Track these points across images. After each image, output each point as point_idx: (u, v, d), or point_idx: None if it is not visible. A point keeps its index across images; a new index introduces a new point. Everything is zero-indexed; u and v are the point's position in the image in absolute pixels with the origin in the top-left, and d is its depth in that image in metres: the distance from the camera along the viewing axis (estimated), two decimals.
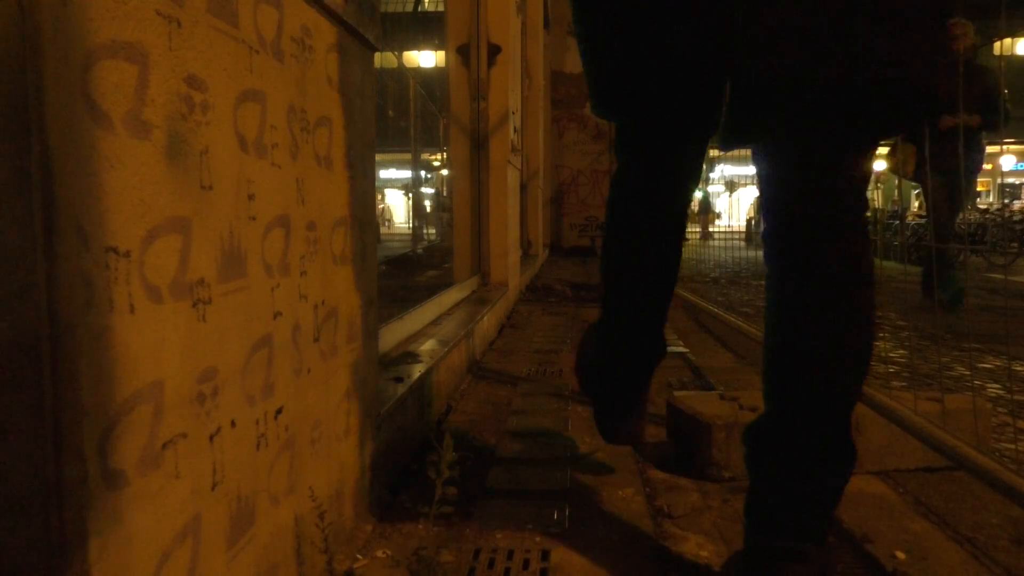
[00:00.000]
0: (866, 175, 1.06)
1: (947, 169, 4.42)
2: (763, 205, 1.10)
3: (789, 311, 1.07)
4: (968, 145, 4.63)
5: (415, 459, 1.73)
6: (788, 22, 0.94)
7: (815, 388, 1.05)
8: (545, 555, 1.24)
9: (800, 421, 1.06)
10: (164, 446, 0.69)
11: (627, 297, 1.36)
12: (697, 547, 1.30)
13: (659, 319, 1.37)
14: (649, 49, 1.09)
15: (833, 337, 1.03)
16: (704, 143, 1.25)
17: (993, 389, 2.66)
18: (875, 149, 1.07)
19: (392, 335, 2.21)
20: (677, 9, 1.03)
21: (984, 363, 3.12)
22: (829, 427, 1.05)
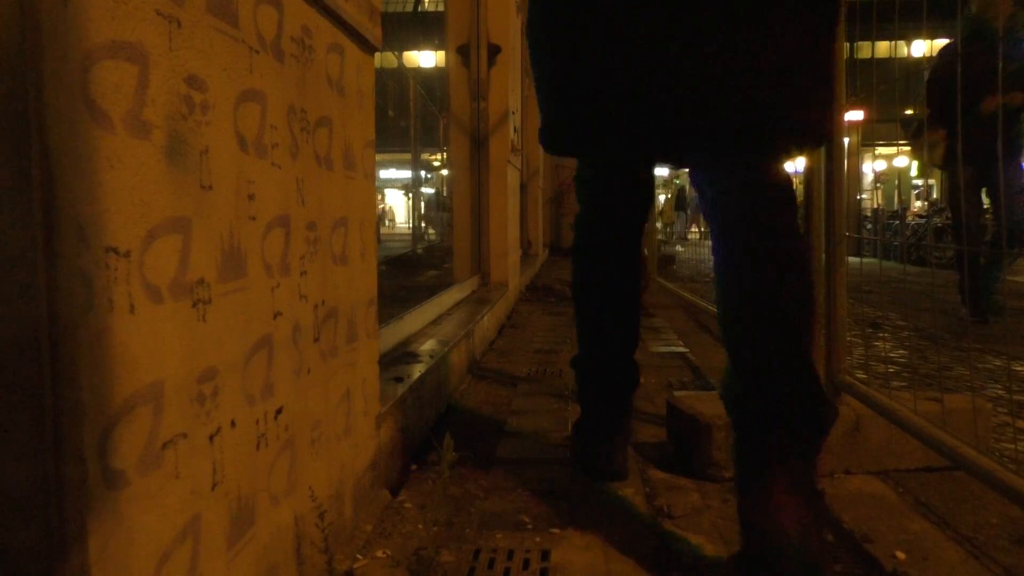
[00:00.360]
0: (781, 181, 1.24)
1: (983, 159, 3.88)
2: (701, 208, 1.34)
3: (739, 290, 1.24)
4: (1009, 128, 4.07)
5: (415, 459, 1.73)
6: (693, 84, 1.14)
7: (768, 341, 1.20)
8: (545, 555, 1.24)
9: (764, 376, 1.20)
10: (164, 446, 0.69)
11: (593, 328, 1.61)
12: (697, 547, 1.30)
13: (626, 349, 1.61)
14: (581, 104, 1.27)
15: (774, 304, 1.21)
16: (641, 176, 1.53)
17: (993, 389, 2.66)
18: (779, 162, 1.26)
19: (392, 335, 2.21)
20: (607, 74, 1.21)
21: (984, 363, 3.12)
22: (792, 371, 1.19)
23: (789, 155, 1.28)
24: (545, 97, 1.36)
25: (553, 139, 1.37)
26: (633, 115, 1.20)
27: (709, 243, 1.34)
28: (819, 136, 1.23)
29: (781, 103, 1.15)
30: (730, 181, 1.25)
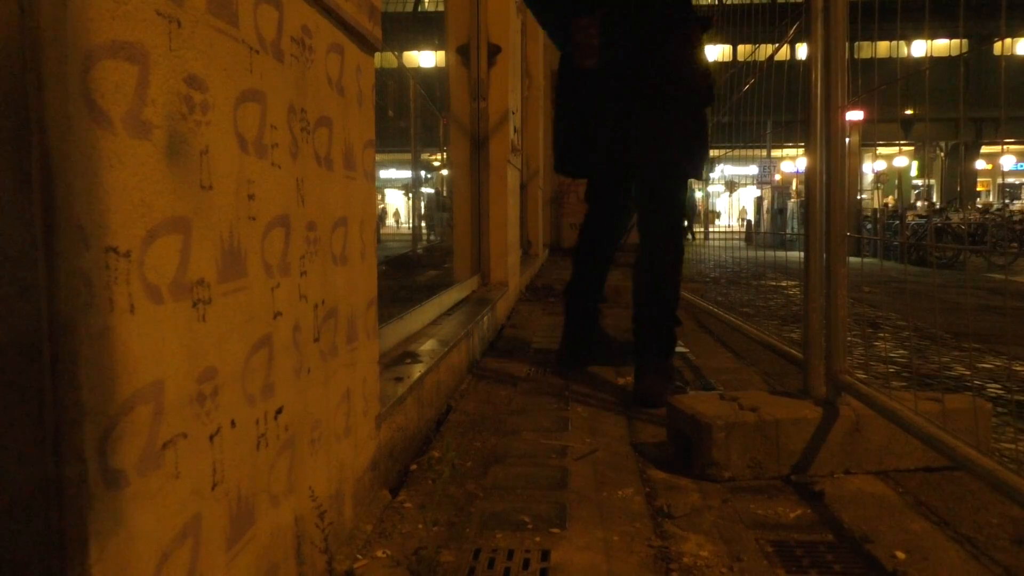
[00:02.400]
0: (675, 197, 2.45)
1: None
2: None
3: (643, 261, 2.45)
4: None
5: (415, 459, 1.73)
6: (624, 146, 2.41)
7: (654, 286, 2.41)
8: (545, 555, 1.24)
9: (651, 303, 2.41)
10: (164, 446, 0.69)
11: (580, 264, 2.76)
12: (697, 547, 1.30)
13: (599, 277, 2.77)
14: (576, 141, 2.58)
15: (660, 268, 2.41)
16: (623, 186, 2.66)
17: (993, 389, 2.66)
18: (681, 184, 2.48)
19: (392, 335, 2.21)
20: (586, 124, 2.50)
21: (984, 363, 3.12)
22: (665, 301, 2.40)
23: (673, 183, 2.43)
24: (555, 144, 2.66)
25: (559, 166, 2.69)
26: (594, 157, 2.49)
27: (709, 243, 1.37)
28: (685, 174, 2.45)
29: (665, 155, 2.37)
30: (646, 198, 2.46)
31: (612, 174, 2.56)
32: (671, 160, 2.36)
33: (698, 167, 2.44)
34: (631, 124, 2.35)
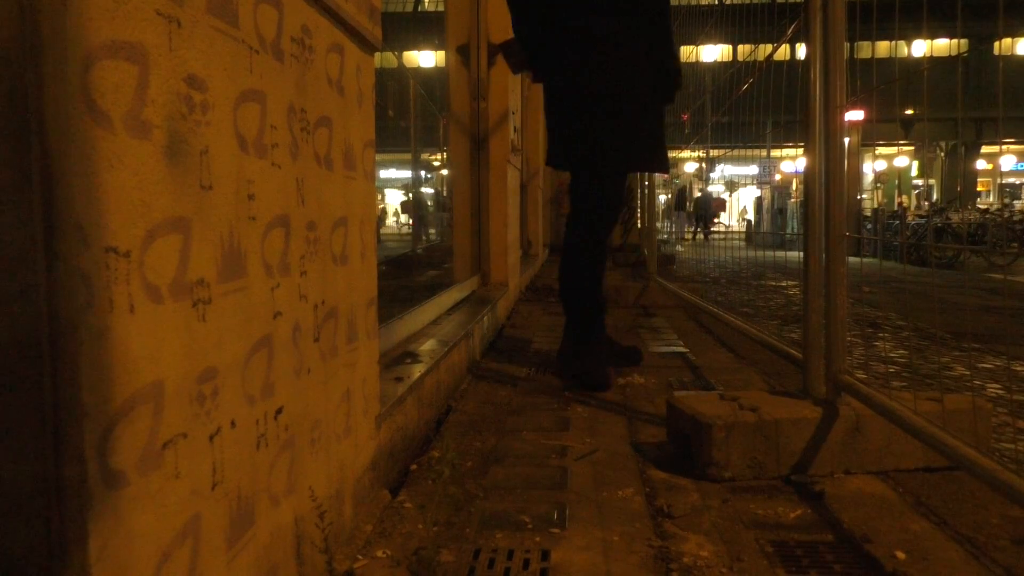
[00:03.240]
0: (615, 198, 2.64)
1: None
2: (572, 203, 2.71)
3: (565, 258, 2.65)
4: None
5: (415, 459, 1.73)
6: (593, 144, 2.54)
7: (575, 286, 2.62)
8: (545, 555, 1.24)
9: (573, 301, 2.64)
10: (164, 446, 0.69)
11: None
12: (697, 547, 1.30)
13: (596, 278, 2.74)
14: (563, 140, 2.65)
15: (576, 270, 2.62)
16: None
17: (993, 389, 2.66)
18: (620, 180, 2.65)
19: (392, 335, 2.21)
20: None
21: (984, 363, 3.12)
22: (584, 298, 2.62)
23: (600, 181, 2.58)
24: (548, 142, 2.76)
25: (549, 161, 2.74)
26: (574, 152, 2.60)
27: (709, 243, 1.38)
28: (613, 172, 2.60)
29: (623, 151, 2.51)
30: (592, 189, 2.59)
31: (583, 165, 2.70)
32: (595, 161, 2.51)
33: (636, 162, 2.64)
34: (570, 125, 2.54)
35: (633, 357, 2.84)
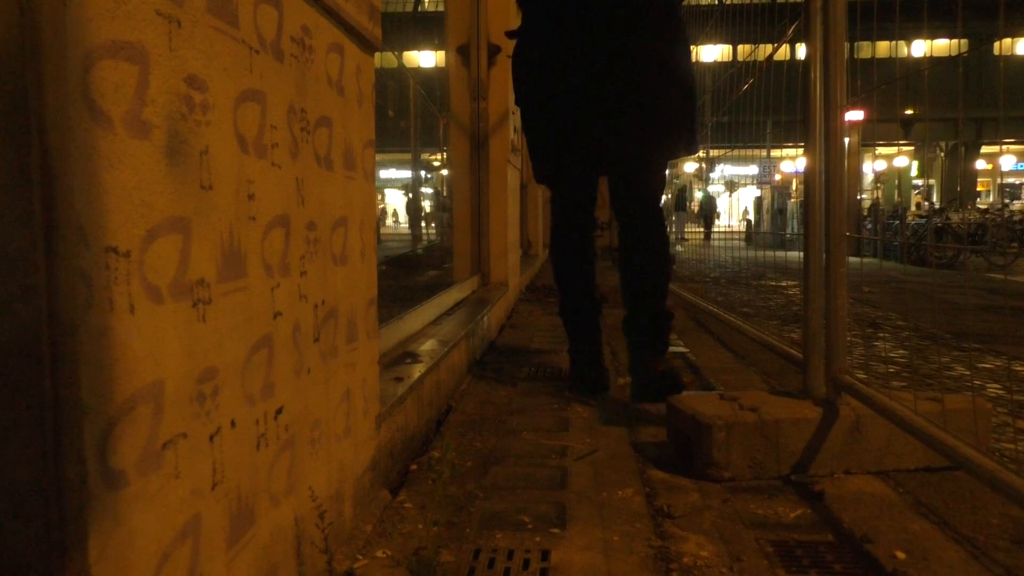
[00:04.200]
0: (649, 190, 2.40)
1: None
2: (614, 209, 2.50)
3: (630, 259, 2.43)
4: None
5: (415, 459, 1.73)
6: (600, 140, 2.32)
7: (645, 291, 2.39)
8: (545, 555, 1.24)
9: (641, 307, 2.40)
10: (164, 446, 0.69)
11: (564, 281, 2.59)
12: (697, 547, 1.30)
13: (588, 287, 2.55)
14: (551, 157, 2.45)
15: (649, 266, 2.40)
16: (588, 196, 2.51)
17: (993, 389, 2.66)
18: (656, 170, 2.40)
19: (392, 335, 2.21)
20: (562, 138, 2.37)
21: (984, 363, 3.12)
22: (656, 307, 2.38)
23: (647, 171, 2.36)
24: (531, 155, 2.52)
25: (539, 173, 2.54)
26: (570, 160, 2.39)
27: (708, 243, 1.38)
28: (661, 160, 2.39)
29: (636, 146, 2.29)
30: (621, 190, 2.41)
31: (585, 171, 2.40)
32: (643, 151, 2.28)
33: (680, 145, 2.33)
34: (597, 120, 2.25)
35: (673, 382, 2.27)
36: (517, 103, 2.45)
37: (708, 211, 21.60)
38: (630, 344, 2.38)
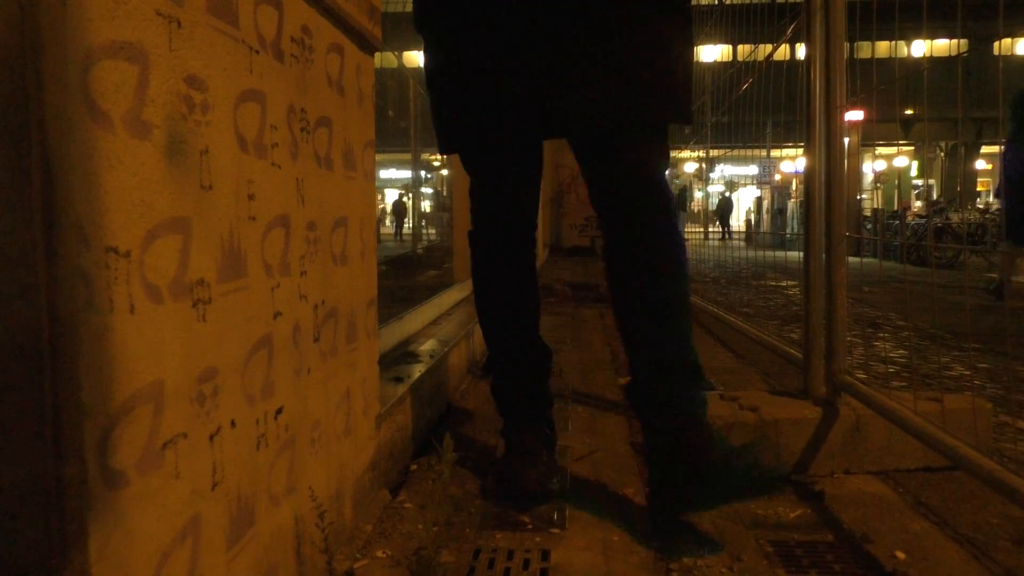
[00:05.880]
0: (640, 168, 1.42)
1: None
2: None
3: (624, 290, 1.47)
4: None
5: (415, 459, 1.73)
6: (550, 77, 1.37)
7: (647, 335, 1.43)
8: (545, 555, 1.24)
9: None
10: (164, 446, 0.69)
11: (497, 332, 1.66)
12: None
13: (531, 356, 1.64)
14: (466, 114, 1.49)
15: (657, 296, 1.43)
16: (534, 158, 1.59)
17: (993, 389, 2.66)
18: (658, 142, 1.44)
19: (392, 335, 2.21)
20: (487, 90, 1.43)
21: (984, 363, 3.12)
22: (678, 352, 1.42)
23: (646, 143, 1.42)
24: (435, 105, 1.58)
25: (445, 139, 1.59)
26: (500, 102, 1.42)
27: (709, 243, 1.38)
28: (662, 125, 1.44)
29: (627, 101, 1.36)
30: (602, 169, 1.43)
31: (520, 133, 1.45)
32: (639, 109, 1.36)
33: (675, 107, 1.41)
34: (559, 57, 1.35)
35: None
36: (416, 26, 1.57)
37: (725, 211, 21.72)
38: (644, 426, 1.46)
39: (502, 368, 1.64)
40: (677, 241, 1.43)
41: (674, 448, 1.36)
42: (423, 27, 1.55)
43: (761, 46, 3.30)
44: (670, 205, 1.42)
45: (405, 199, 22.63)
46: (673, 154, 4.00)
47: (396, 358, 2.06)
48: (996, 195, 5.62)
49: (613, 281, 1.48)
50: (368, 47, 1.38)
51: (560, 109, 1.37)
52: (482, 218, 1.61)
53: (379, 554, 1.24)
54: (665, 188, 1.42)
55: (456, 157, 1.73)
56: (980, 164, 27.97)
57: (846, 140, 1.81)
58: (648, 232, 1.41)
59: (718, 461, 1.36)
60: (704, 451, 1.34)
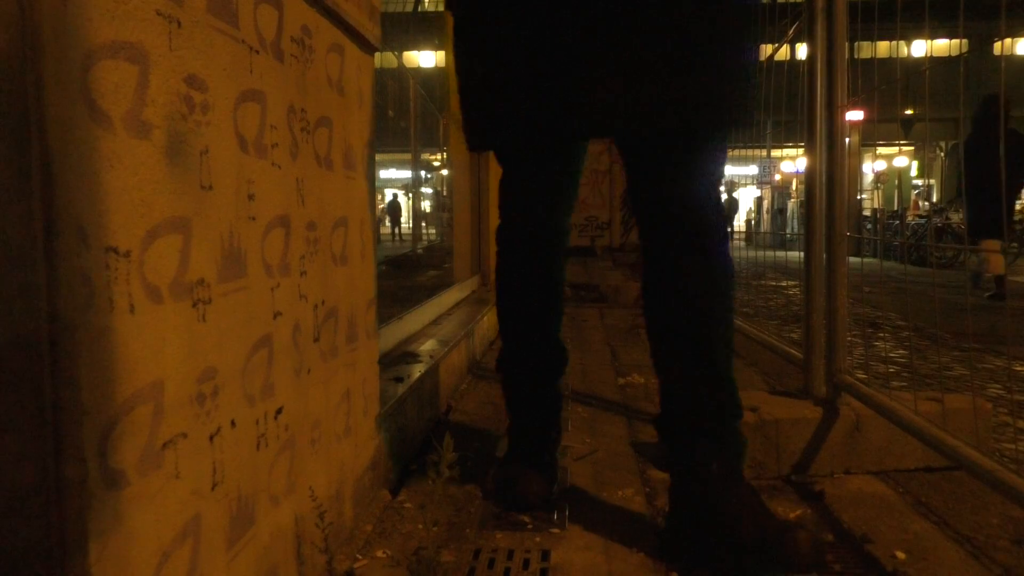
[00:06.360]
0: (691, 179, 1.26)
1: None
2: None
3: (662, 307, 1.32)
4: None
5: (415, 459, 1.73)
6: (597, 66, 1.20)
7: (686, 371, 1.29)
8: (545, 555, 1.24)
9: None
10: (164, 446, 0.69)
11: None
12: None
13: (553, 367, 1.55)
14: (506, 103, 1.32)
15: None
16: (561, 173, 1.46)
17: (993, 389, 2.66)
18: (717, 145, 1.28)
19: (392, 335, 2.21)
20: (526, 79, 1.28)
21: (984, 363, 3.12)
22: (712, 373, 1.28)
23: (702, 148, 1.26)
24: (465, 95, 1.43)
25: (475, 134, 1.42)
26: (540, 97, 1.26)
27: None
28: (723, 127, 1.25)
29: (682, 84, 1.17)
30: (659, 179, 1.27)
31: (560, 129, 1.27)
32: (714, 108, 1.20)
33: (747, 107, 1.25)
34: (620, 40, 1.18)
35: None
36: (447, 2, 1.45)
37: (730, 211, 21.74)
38: (671, 462, 1.33)
39: (515, 367, 1.55)
40: (729, 269, 1.29)
41: (699, 506, 1.22)
42: (453, 2, 1.41)
43: (762, 46, 3.29)
44: (724, 225, 1.28)
45: (400, 199, 22.68)
46: None
47: (396, 358, 2.06)
48: (958, 194, 6.27)
49: (653, 303, 1.33)
50: (368, 47, 1.38)
51: (620, 105, 1.18)
52: (511, 219, 1.49)
53: (379, 554, 1.24)
54: (721, 206, 1.29)
55: (456, 157, 1.68)
56: None
57: (846, 140, 1.81)
58: (700, 256, 1.26)
59: (750, 536, 1.15)
60: (734, 521, 1.16)
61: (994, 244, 5.63)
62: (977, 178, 5.28)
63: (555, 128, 1.27)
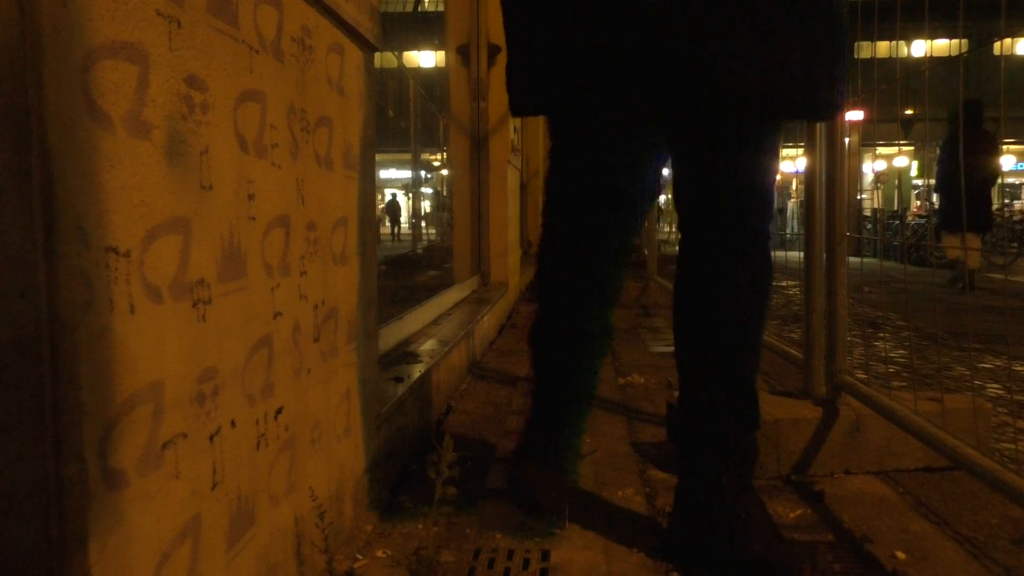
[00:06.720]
0: (754, 166, 1.17)
1: None
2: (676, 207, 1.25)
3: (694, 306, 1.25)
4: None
5: (415, 459, 1.73)
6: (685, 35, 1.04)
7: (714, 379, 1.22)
8: (545, 555, 1.24)
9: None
10: (164, 446, 0.69)
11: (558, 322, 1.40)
12: None
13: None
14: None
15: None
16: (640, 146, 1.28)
17: (993, 389, 2.66)
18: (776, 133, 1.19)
19: (392, 335, 2.21)
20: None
21: (984, 363, 3.12)
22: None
23: (774, 118, 1.18)
24: (514, 49, 1.24)
25: (522, 87, 1.23)
26: (615, 56, 1.08)
27: None
28: (807, 108, 1.15)
29: (774, 66, 1.04)
30: (717, 163, 1.16)
31: (636, 95, 1.10)
32: (803, 83, 1.08)
33: (834, 86, 1.13)
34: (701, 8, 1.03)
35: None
36: None
37: None
38: (680, 477, 1.29)
39: (553, 347, 1.39)
40: (769, 272, 1.22)
41: (707, 516, 1.20)
42: None
43: None
44: (767, 233, 1.20)
45: (399, 199, 22.68)
46: None
47: (396, 358, 2.06)
48: (935, 191, 6.82)
49: (687, 302, 1.25)
50: (368, 47, 1.38)
51: (704, 74, 1.03)
52: (560, 206, 1.32)
53: (379, 554, 1.24)
54: (772, 208, 1.21)
55: (456, 157, 1.62)
56: None
57: (846, 140, 1.81)
58: (744, 257, 1.19)
59: (756, 555, 1.14)
60: (742, 539, 1.15)
61: (954, 240, 6.19)
62: (950, 177, 5.88)
63: (629, 92, 1.09)
